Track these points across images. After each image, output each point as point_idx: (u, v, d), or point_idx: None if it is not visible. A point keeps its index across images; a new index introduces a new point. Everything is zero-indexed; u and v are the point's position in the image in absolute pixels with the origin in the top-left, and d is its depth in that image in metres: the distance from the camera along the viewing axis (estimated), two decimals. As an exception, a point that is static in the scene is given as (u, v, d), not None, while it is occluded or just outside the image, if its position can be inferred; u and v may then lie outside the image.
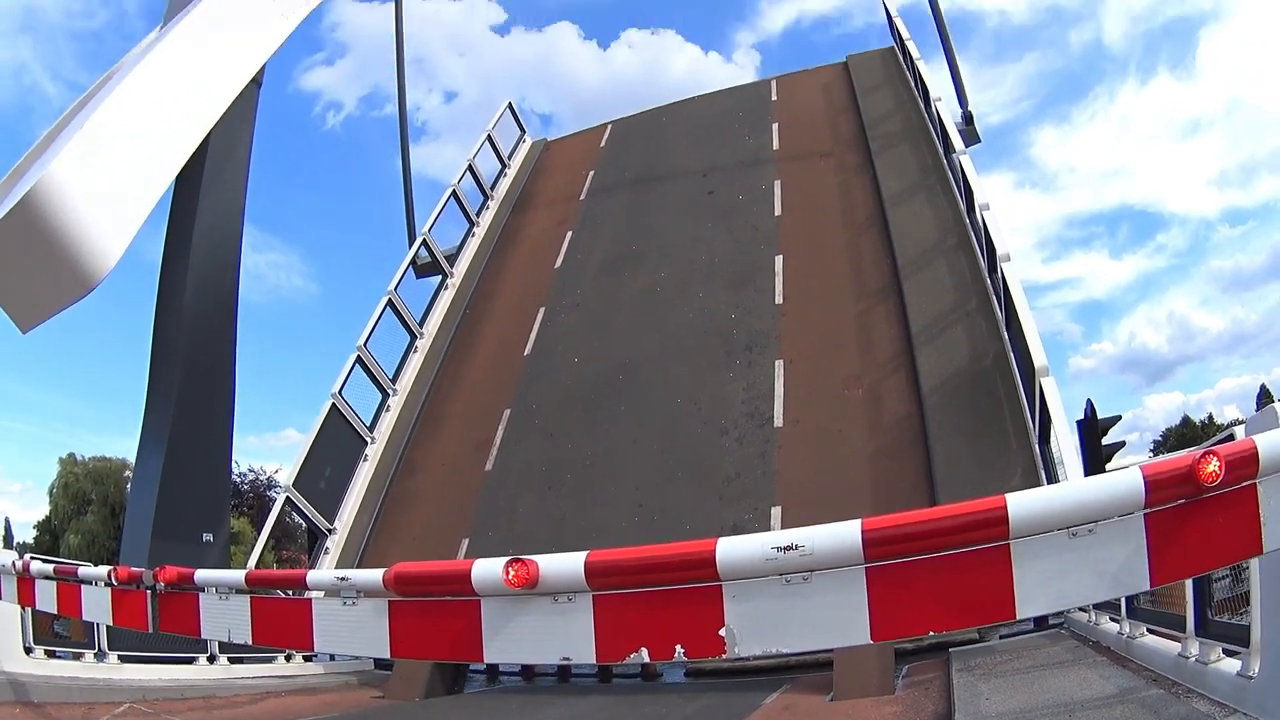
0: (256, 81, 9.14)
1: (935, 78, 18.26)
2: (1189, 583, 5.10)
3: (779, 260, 16.48)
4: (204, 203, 8.74)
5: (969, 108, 18.71)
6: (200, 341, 8.87)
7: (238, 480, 38.05)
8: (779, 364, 14.51)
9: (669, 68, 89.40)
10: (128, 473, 43.08)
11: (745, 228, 17.75)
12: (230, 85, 8.09)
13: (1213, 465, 2.71)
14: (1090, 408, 13.10)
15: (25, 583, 5.89)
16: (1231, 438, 3.93)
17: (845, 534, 2.78)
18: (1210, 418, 53.49)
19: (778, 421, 13.62)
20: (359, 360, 15.58)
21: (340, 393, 14.93)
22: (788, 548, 2.76)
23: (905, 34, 19.59)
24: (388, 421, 16.10)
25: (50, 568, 5.91)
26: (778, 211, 17.76)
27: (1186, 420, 54.80)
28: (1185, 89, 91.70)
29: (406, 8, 22.35)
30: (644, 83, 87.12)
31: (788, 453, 13.11)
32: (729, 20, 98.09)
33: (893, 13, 20.61)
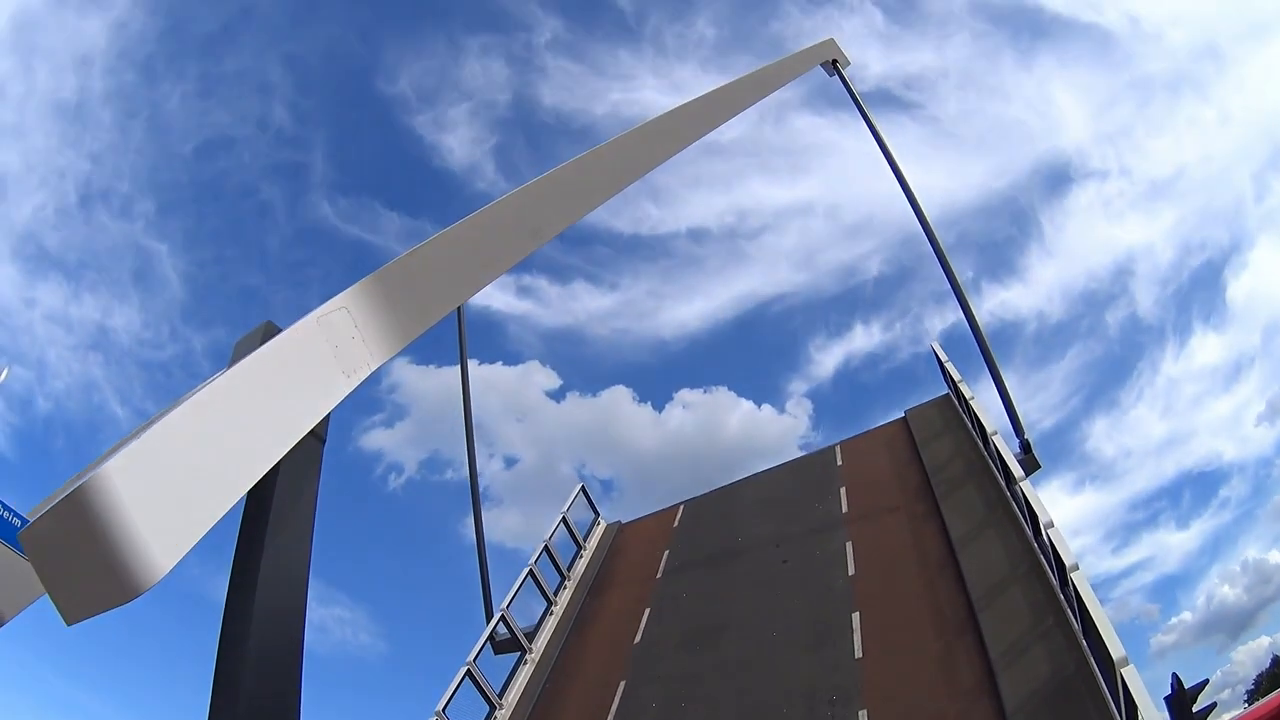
0: (320, 437, 9.72)
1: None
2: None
3: (856, 616, 16.20)
4: (269, 547, 9.01)
5: (1025, 436, 19.10)
6: (264, 683, 8.68)
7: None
8: (863, 713, 13.88)
9: (724, 424, 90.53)
10: (187, 806, 41.56)
11: (820, 590, 17.66)
12: (291, 429, 8.52)
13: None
14: (1175, 681, 12.36)
15: None
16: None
17: None
18: (1299, 648, 50.20)
19: None
20: None
21: None
22: None
23: (957, 377, 20.63)
24: (470, 788, 15.71)
25: None
26: (851, 571, 17.72)
27: (1276, 660, 52.48)
28: (1222, 336, 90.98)
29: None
30: (700, 441, 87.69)
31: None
32: (780, 371, 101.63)
33: (943, 358, 21.88)
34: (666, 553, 21.87)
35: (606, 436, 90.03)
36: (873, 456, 21.95)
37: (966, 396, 19.58)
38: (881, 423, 23.57)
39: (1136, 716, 10.24)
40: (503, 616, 19.17)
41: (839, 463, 22.41)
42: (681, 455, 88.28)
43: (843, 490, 20.88)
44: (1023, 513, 15.61)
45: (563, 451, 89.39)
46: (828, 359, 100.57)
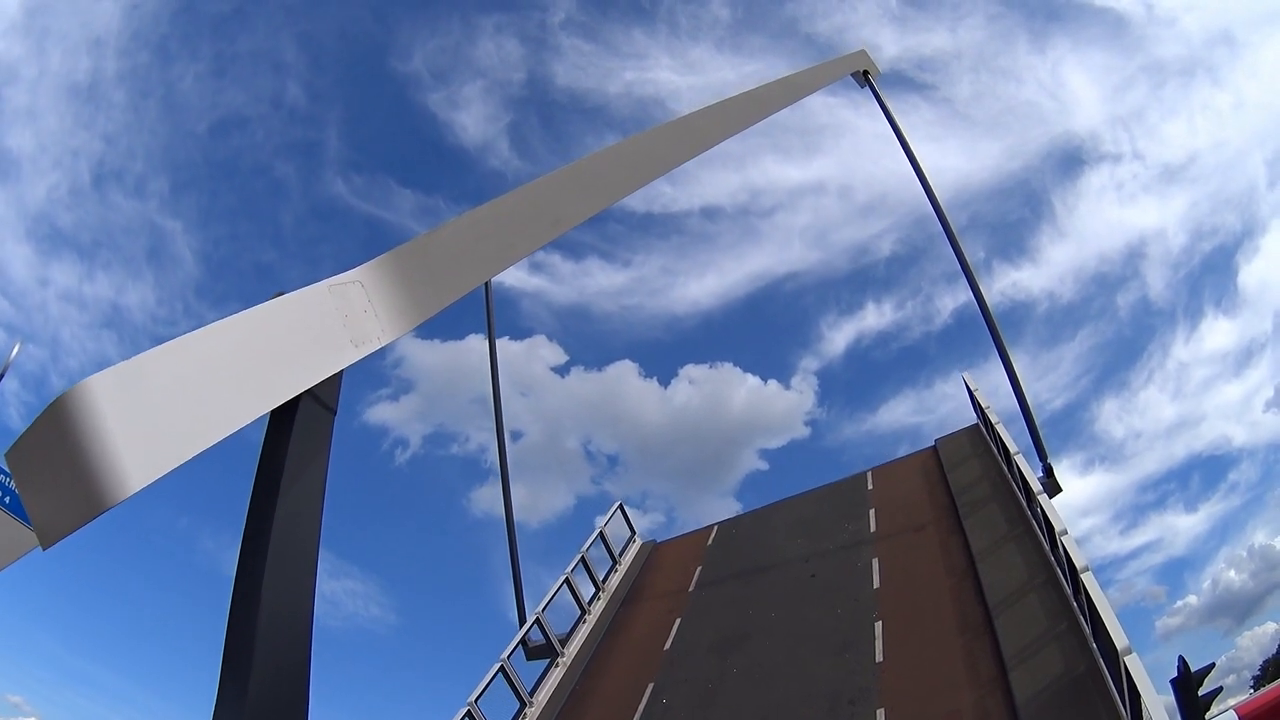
0: (330, 408, 9.48)
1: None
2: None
3: (878, 625, 16.77)
4: (280, 519, 8.94)
5: (1048, 461, 19.65)
6: (273, 656, 8.62)
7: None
8: (880, 711, 14.41)
9: (729, 400, 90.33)
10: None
11: (845, 601, 18.21)
12: (289, 383, 8.68)
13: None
14: (1182, 664, 12.56)
15: None
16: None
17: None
18: (1306, 636, 48.80)
19: None
20: (469, 715, 16.44)
21: None
22: None
23: (985, 404, 21.33)
24: (496, 777, 16.39)
25: None
26: (876, 584, 18.29)
27: None
28: (1233, 321, 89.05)
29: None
30: (706, 416, 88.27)
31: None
32: (790, 348, 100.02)
33: (972, 387, 22.66)
34: (699, 568, 22.52)
35: (612, 411, 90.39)
36: (902, 481, 22.52)
37: (993, 421, 20.15)
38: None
39: (1140, 704, 10.64)
40: (537, 620, 19.89)
41: (870, 487, 23.00)
42: (687, 431, 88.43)
43: (872, 512, 21.45)
44: (1042, 528, 16.13)
45: (568, 426, 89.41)
46: (839, 337, 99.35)
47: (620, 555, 24.03)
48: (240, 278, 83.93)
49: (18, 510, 15.85)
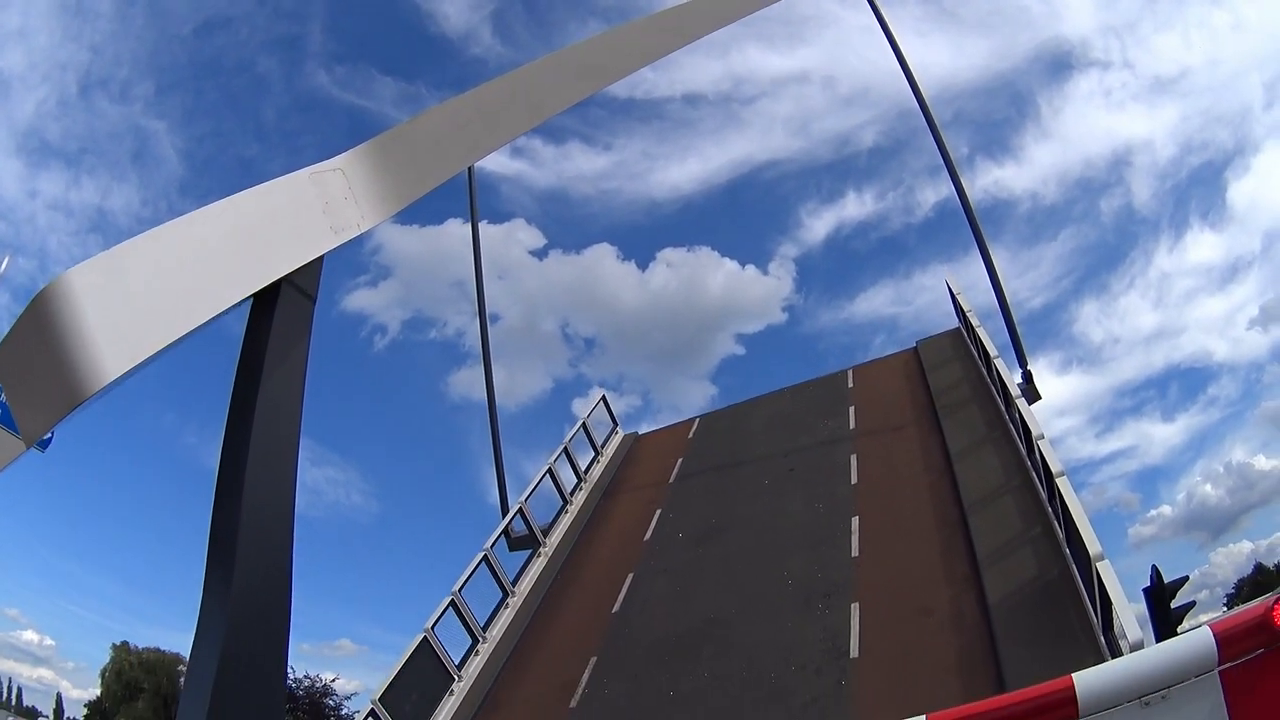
0: (309, 295, 9.26)
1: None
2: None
3: (855, 520, 17.10)
4: (261, 407, 8.76)
5: (1028, 368, 20.00)
6: (256, 544, 8.40)
7: (293, 686, 38.51)
8: (854, 606, 14.79)
9: (706, 284, 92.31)
10: (181, 666, 43.76)
11: (823, 496, 18.59)
12: (266, 269, 8.66)
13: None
14: (1155, 574, 12.85)
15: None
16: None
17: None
18: (1286, 559, 51.14)
19: (853, 653, 13.75)
20: (453, 604, 16.81)
21: (433, 629, 16.06)
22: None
23: (967, 307, 21.47)
24: (476, 664, 16.83)
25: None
26: (854, 480, 18.63)
27: (1260, 568, 52.43)
28: (1220, 236, 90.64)
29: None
30: (683, 301, 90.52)
31: (863, 675, 13.21)
32: (769, 235, 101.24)
33: (955, 290, 22.70)
34: (680, 460, 22.86)
35: (590, 295, 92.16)
36: (883, 380, 22.76)
37: (974, 325, 20.24)
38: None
39: (1111, 611, 10.86)
40: (520, 510, 20.21)
41: (850, 385, 23.23)
42: (664, 314, 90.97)
43: (852, 409, 21.70)
44: (1019, 432, 16.38)
45: (546, 309, 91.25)
46: (818, 224, 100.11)
47: (602, 446, 24.31)
48: (223, 173, 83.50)
49: (8, 423, 15.80)
